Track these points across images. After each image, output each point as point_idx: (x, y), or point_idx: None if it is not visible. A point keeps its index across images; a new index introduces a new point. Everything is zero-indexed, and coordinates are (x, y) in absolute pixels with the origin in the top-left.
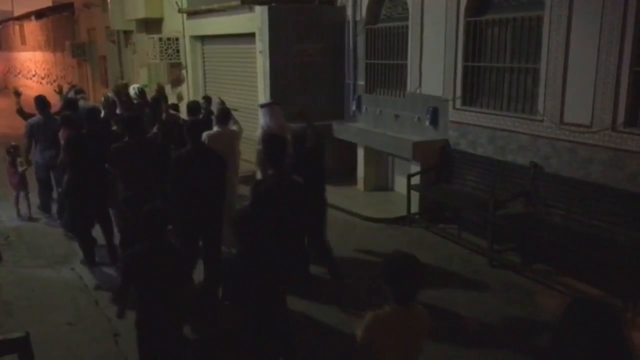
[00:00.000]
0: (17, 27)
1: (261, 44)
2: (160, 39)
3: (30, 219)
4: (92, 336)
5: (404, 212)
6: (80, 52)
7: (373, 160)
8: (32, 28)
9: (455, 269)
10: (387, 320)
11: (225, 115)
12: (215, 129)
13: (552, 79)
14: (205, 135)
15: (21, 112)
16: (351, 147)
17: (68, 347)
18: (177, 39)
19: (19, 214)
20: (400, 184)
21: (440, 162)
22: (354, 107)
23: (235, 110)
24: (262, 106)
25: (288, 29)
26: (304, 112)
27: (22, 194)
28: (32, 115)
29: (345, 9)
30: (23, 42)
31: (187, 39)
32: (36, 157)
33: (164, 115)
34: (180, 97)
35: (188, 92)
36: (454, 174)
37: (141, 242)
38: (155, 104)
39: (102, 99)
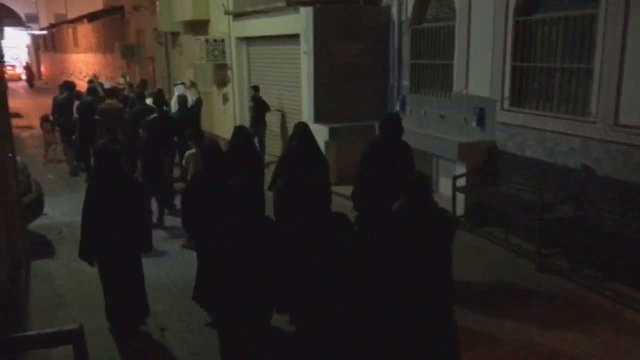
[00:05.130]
0: (70, 30)
1: (306, 45)
2: (207, 41)
3: (59, 161)
4: (140, 330)
5: None
6: (129, 53)
7: (417, 161)
8: (84, 30)
9: (500, 273)
10: (191, 155)
11: (113, 91)
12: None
13: (606, 79)
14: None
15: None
16: None
17: (117, 340)
18: (223, 41)
19: (55, 159)
20: (444, 186)
21: (486, 164)
22: (397, 108)
23: (278, 110)
24: (176, 84)
25: (332, 30)
26: (195, 85)
27: (52, 146)
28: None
29: (390, 9)
30: (76, 44)
31: (232, 40)
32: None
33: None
34: (225, 98)
35: (233, 92)
36: (501, 176)
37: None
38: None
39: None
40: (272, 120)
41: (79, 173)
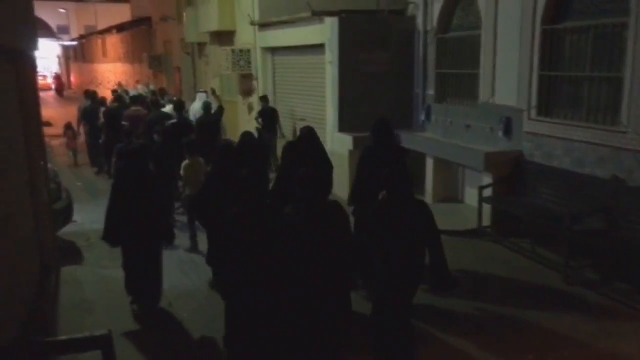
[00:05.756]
0: (99, 41)
1: (331, 55)
2: (233, 51)
3: (78, 165)
4: (165, 336)
5: (474, 225)
6: (157, 63)
7: (442, 171)
8: (113, 41)
9: (527, 285)
10: (188, 165)
11: (138, 98)
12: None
13: (637, 88)
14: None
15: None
16: (417, 157)
17: (144, 345)
18: (248, 51)
19: (75, 164)
20: (470, 196)
21: (513, 174)
22: (422, 117)
23: (302, 119)
24: (198, 92)
25: (357, 39)
26: (215, 92)
27: (72, 151)
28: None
29: (415, 18)
30: (104, 54)
31: (258, 51)
32: (87, 128)
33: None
34: (250, 107)
35: (258, 102)
36: (528, 186)
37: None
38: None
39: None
40: (294, 129)
41: (103, 169)
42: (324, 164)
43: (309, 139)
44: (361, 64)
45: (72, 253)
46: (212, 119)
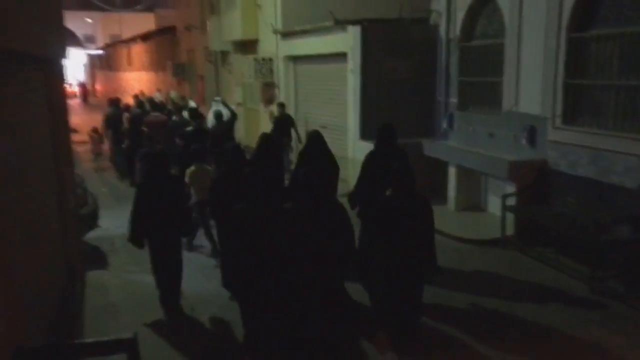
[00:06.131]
0: (124, 49)
1: (352, 63)
2: (255, 59)
3: (101, 169)
4: (188, 340)
5: (498, 234)
6: (180, 71)
7: (465, 180)
8: (137, 50)
9: (552, 296)
10: (193, 172)
11: (158, 105)
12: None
13: None
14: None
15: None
16: (440, 165)
17: (167, 349)
18: (271, 59)
19: (99, 167)
20: (494, 204)
21: (537, 183)
22: (445, 125)
23: (324, 127)
24: (214, 100)
25: (380, 48)
26: (227, 103)
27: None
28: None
29: (437, 26)
30: (129, 62)
31: (280, 59)
32: (110, 134)
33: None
34: (271, 115)
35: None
36: (552, 195)
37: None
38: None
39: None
40: None
41: (125, 175)
42: (330, 165)
43: (315, 141)
44: (383, 72)
45: (97, 258)
46: (223, 127)
